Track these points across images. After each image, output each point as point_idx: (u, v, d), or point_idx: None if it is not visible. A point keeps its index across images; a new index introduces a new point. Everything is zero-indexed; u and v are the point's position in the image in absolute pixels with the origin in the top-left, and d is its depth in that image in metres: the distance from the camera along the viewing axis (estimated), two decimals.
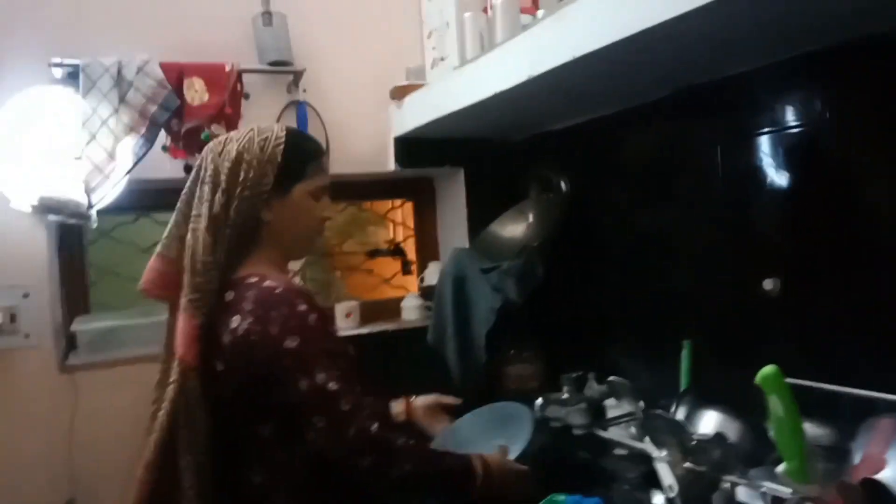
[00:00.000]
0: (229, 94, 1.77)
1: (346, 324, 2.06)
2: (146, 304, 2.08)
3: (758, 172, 1.34)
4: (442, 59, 1.81)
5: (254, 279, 1.08)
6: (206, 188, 1.10)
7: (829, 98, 1.20)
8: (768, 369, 0.79)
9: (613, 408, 1.38)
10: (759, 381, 0.80)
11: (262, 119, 1.18)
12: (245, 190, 1.09)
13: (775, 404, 0.79)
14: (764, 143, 1.32)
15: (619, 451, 1.45)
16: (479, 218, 2.02)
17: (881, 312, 1.13)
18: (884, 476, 0.70)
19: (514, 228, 1.92)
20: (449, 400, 1.47)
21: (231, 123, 1.76)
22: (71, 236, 1.87)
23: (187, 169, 1.72)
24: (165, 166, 1.74)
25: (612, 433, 1.27)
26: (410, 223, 2.34)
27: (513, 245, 1.84)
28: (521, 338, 1.83)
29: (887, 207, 1.12)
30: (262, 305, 1.03)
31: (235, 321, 1.03)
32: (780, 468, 0.81)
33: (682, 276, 1.55)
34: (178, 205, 1.14)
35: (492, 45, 1.56)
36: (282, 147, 1.11)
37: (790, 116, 1.27)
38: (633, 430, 1.30)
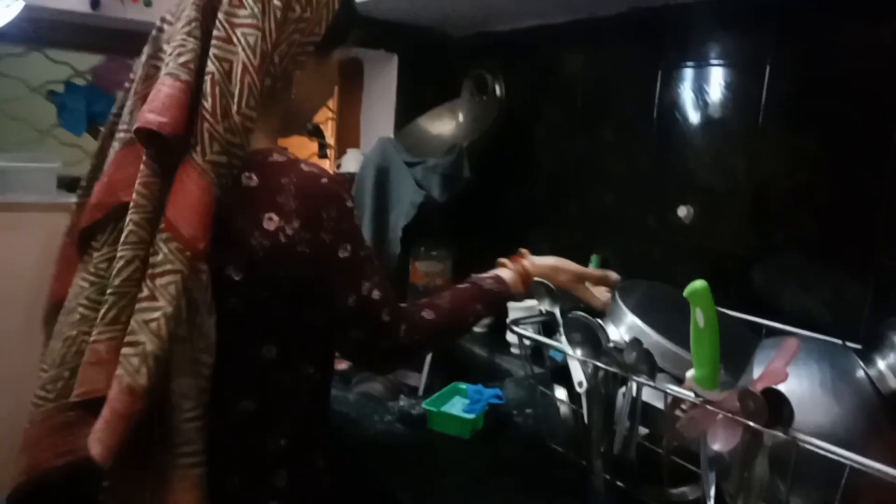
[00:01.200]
0: None
1: None
2: (34, 147, 1.89)
3: (689, 103, 1.39)
4: None
5: (281, 159, 0.83)
6: (249, 10, 0.78)
7: (767, 43, 1.25)
8: (699, 283, 0.84)
9: (514, 310, 1.42)
10: (688, 294, 0.86)
11: None
12: (296, 32, 0.83)
13: (699, 316, 0.85)
14: (701, 75, 1.36)
15: (517, 351, 1.53)
16: (408, 110, 1.96)
17: (779, 249, 1.24)
18: (783, 388, 0.79)
19: (443, 126, 1.89)
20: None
21: None
22: None
23: (94, 5, 1.54)
24: None
25: (528, 333, 1.28)
26: (332, 105, 2.24)
27: (441, 142, 1.81)
28: (433, 235, 1.84)
29: (805, 150, 1.21)
30: (310, 203, 0.80)
31: (273, 221, 0.78)
32: (690, 373, 0.89)
33: (603, 194, 1.61)
34: (188, 13, 0.79)
35: None
36: None
37: (728, 54, 1.32)
38: (532, 330, 1.34)
